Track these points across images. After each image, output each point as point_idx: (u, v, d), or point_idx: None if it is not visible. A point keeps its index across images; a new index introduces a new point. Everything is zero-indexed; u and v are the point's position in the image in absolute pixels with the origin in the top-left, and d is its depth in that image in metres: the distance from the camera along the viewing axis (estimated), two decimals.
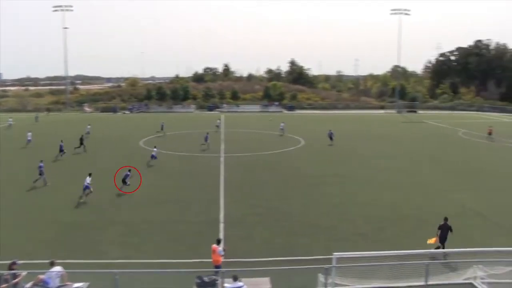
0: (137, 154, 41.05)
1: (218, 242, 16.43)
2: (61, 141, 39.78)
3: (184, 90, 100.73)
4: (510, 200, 27.02)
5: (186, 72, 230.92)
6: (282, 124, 56.25)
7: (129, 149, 43.64)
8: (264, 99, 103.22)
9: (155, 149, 38.06)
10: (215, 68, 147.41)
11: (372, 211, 24.50)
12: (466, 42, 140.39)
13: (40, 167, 29.90)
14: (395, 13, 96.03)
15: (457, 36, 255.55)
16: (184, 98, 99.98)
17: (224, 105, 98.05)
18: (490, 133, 55.39)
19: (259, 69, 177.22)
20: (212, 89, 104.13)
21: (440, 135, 57.75)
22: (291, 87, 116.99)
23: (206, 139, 44.88)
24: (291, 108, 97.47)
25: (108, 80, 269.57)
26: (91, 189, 26.05)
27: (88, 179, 26.22)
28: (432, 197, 27.51)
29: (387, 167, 36.38)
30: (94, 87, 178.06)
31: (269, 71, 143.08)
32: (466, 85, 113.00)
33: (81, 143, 42.41)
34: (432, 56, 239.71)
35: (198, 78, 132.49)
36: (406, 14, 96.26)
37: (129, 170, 29.34)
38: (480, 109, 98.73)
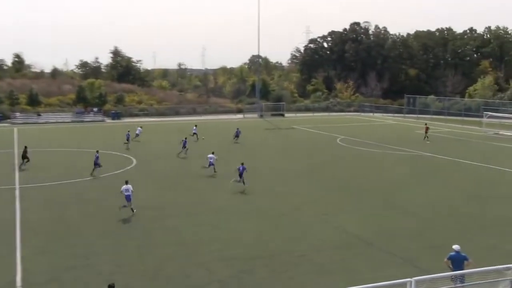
0: None
1: None
2: None
3: None
4: (400, 222, 30.03)
5: None
6: (139, 129, 65.33)
7: None
8: (78, 104, 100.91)
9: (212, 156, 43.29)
10: (1, 60, 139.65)
11: (233, 248, 25.18)
12: (342, 25, 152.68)
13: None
14: None
15: (331, 18, 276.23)
16: None
17: (17, 114, 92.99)
18: (426, 132, 63.27)
19: (69, 62, 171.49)
20: None
21: (313, 144, 61.89)
22: (115, 86, 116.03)
23: (184, 144, 51.90)
24: (116, 115, 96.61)
25: None
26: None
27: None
28: (309, 224, 29.19)
29: (247, 189, 37.62)
30: None
31: (84, 65, 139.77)
32: (343, 79, 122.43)
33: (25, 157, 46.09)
34: (300, 43, 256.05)
35: None
36: None
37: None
38: (360, 109, 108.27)
